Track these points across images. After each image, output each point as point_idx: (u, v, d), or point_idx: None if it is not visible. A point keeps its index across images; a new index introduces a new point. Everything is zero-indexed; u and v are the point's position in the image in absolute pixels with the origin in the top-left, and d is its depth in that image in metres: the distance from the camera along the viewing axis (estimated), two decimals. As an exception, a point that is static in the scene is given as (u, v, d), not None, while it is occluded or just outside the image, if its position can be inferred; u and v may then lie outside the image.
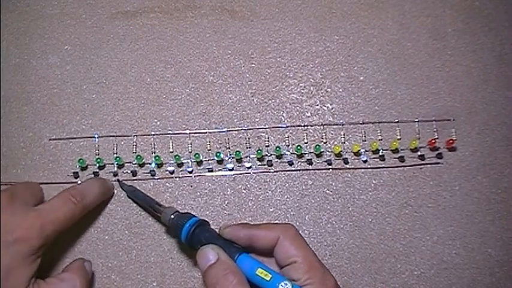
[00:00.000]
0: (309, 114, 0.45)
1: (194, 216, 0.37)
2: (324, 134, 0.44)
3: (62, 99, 0.45)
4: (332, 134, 0.45)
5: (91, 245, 0.43)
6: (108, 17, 0.47)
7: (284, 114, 0.45)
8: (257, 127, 0.45)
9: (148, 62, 0.46)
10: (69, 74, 0.46)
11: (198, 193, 0.44)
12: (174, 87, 0.46)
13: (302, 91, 0.46)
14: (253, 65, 0.46)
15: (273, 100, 0.45)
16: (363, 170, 0.44)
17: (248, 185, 0.44)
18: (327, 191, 0.44)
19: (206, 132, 0.44)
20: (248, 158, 0.44)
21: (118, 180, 0.43)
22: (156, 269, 0.42)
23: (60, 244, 0.43)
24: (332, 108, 0.45)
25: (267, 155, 0.44)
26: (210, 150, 0.44)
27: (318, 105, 0.45)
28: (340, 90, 0.46)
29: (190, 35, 0.47)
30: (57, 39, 0.46)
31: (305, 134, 0.44)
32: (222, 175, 0.44)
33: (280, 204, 0.43)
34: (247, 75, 0.46)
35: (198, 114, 0.45)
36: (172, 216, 0.38)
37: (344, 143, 0.44)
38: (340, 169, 0.44)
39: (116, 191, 0.43)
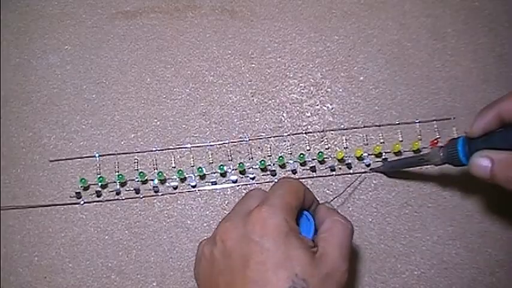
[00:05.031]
0: (309, 114, 0.45)
1: (456, 138, 0.36)
2: (325, 140, 0.44)
3: (62, 99, 0.45)
4: (333, 138, 0.44)
5: (91, 245, 0.43)
6: (108, 17, 0.47)
7: (284, 114, 0.45)
8: (257, 137, 0.44)
9: (148, 62, 0.46)
10: (69, 74, 0.46)
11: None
12: (174, 87, 0.46)
13: (302, 91, 0.46)
14: (253, 65, 0.46)
15: (273, 100, 0.45)
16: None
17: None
18: (327, 191, 0.44)
19: (207, 146, 0.44)
20: (251, 168, 0.44)
21: (371, 169, 0.43)
22: (156, 269, 0.42)
23: (59, 244, 0.43)
24: (332, 109, 0.45)
25: (270, 164, 0.44)
26: (212, 163, 0.44)
27: (318, 105, 0.45)
28: (340, 90, 0.46)
29: (190, 35, 0.47)
30: (57, 39, 0.47)
31: (306, 141, 0.44)
32: (226, 187, 0.44)
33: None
34: (247, 75, 0.46)
35: (198, 114, 0.45)
36: (441, 154, 0.37)
37: (346, 147, 0.44)
38: (344, 174, 0.44)
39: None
